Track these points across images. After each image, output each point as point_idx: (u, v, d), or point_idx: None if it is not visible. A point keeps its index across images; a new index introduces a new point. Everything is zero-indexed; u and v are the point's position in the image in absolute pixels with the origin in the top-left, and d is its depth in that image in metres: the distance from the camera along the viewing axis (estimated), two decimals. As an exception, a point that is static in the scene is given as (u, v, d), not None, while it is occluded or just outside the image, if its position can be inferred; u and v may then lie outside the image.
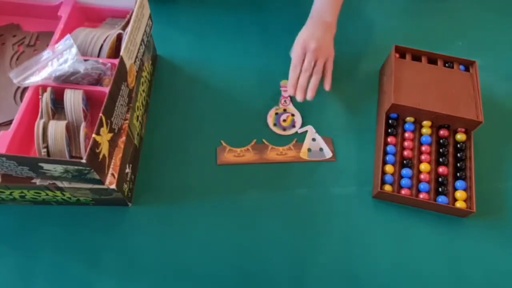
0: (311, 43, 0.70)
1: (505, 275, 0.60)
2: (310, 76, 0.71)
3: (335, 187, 0.66)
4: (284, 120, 0.72)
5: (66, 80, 0.55)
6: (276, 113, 0.73)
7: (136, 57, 0.61)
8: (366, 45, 0.83)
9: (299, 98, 0.70)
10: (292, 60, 0.72)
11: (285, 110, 0.73)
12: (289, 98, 0.75)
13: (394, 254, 0.61)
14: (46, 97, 0.53)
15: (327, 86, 0.72)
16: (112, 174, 0.55)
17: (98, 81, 0.57)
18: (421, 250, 0.61)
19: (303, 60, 0.71)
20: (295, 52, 0.71)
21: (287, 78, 0.71)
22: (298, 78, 0.71)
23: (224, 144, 0.69)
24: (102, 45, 0.58)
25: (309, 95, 0.70)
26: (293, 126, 0.72)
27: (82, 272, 0.58)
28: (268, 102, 0.74)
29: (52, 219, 0.61)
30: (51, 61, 0.55)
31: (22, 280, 0.57)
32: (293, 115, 0.73)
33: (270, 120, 0.72)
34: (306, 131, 0.71)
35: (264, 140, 0.70)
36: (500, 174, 0.69)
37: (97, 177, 0.51)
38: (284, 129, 0.71)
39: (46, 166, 0.48)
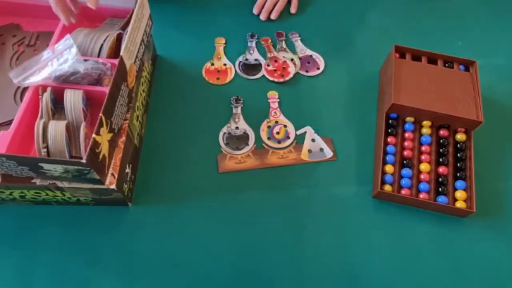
0: None
1: (505, 275, 0.60)
2: (276, 3, 0.85)
3: (335, 187, 0.66)
4: (278, 133, 0.71)
5: (66, 80, 0.55)
6: (268, 126, 0.71)
7: (136, 57, 0.61)
8: (366, 45, 0.83)
9: (263, 17, 0.85)
10: None
11: (276, 122, 0.72)
12: (278, 108, 0.73)
13: (394, 254, 0.61)
14: (46, 97, 0.53)
15: (293, 10, 0.86)
16: (112, 174, 0.55)
17: (98, 81, 0.57)
18: (421, 250, 0.61)
19: None
20: None
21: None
22: (265, 2, 0.85)
23: (224, 151, 0.68)
24: (102, 45, 0.58)
25: (274, 15, 0.85)
26: (288, 137, 0.70)
27: (82, 272, 0.57)
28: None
29: (52, 219, 0.61)
30: (51, 61, 0.55)
31: (22, 280, 0.57)
32: (285, 126, 0.72)
33: (263, 134, 0.70)
34: (305, 133, 0.71)
35: (264, 145, 0.70)
36: (500, 174, 0.69)
37: (97, 177, 0.51)
38: (279, 141, 0.70)
39: (46, 166, 0.48)
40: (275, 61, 0.79)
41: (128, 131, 0.59)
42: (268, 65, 0.78)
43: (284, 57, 0.79)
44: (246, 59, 0.79)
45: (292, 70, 0.78)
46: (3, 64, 0.63)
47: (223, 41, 0.82)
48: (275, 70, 0.78)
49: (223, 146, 0.69)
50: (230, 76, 0.77)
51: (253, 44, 0.82)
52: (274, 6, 0.85)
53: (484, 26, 0.88)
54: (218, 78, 0.77)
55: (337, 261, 0.60)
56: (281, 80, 0.76)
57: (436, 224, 0.64)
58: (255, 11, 0.85)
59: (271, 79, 0.77)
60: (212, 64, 0.78)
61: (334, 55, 0.81)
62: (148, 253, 0.59)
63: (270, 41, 0.82)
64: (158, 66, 0.78)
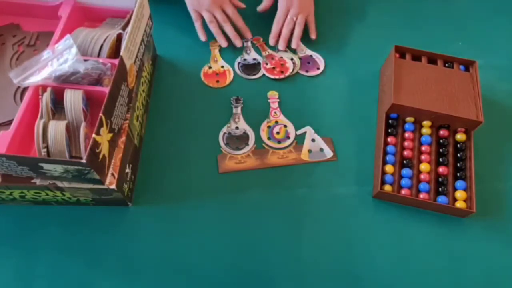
0: (294, 1, 0.79)
1: (505, 275, 0.60)
2: (292, 29, 0.81)
3: (335, 187, 0.66)
4: (278, 133, 0.70)
5: (66, 80, 0.55)
6: (268, 126, 0.71)
7: (136, 57, 0.61)
8: (366, 45, 0.83)
9: (281, 46, 0.80)
10: (276, 15, 0.81)
11: (276, 122, 0.72)
12: (278, 108, 0.73)
13: (394, 254, 0.61)
14: (46, 97, 0.53)
15: (313, 35, 0.82)
16: (112, 174, 0.55)
17: (98, 81, 0.57)
18: (421, 250, 0.61)
19: (286, 16, 0.80)
20: (281, 8, 0.81)
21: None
22: (280, 31, 0.81)
23: (224, 151, 0.68)
24: (102, 45, 0.58)
25: (294, 43, 0.80)
26: (288, 137, 0.70)
27: (82, 272, 0.57)
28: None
29: (52, 219, 0.61)
30: (51, 61, 0.55)
31: (22, 280, 0.57)
32: (285, 126, 0.71)
33: (263, 134, 0.70)
34: (305, 133, 0.71)
35: (264, 145, 0.69)
36: (500, 174, 0.69)
37: (97, 177, 0.51)
38: (279, 141, 0.70)
39: (46, 166, 0.48)
40: (272, 58, 0.79)
41: (128, 131, 0.59)
42: (266, 64, 0.78)
43: (282, 57, 0.80)
44: (245, 59, 0.80)
45: (290, 65, 0.78)
46: (3, 64, 0.63)
47: (217, 43, 0.81)
48: (273, 68, 0.78)
49: (223, 146, 0.69)
50: (229, 78, 0.77)
51: (249, 43, 0.82)
52: (290, 33, 0.81)
53: (484, 26, 0.88)
54: (217, 81, 0.77)
55: (337, 260, 0.60)
56: (282, 76, 0.77)
57: (436, 224, 0.64)
58: (271, 42, 0.81)
59: (272, 76, 0.77)
60: (210, 68, 0.78)
61: (334, 55, 0.81)
62: (148, 253, 0.59)
63: (262, 39, 0.83)
64: (158, 66, 0.78)
